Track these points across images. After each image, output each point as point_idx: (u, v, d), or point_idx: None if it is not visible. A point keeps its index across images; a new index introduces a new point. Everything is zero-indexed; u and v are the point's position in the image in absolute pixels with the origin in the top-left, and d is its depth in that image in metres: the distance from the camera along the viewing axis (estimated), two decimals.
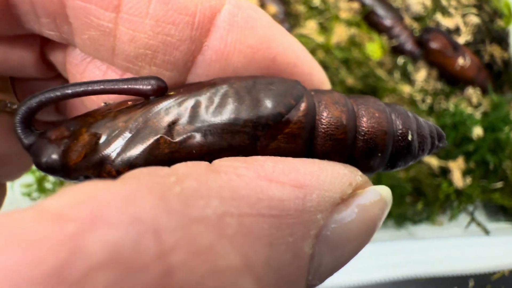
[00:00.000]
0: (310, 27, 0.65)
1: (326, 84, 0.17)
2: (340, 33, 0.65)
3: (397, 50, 0.68)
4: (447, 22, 0.68)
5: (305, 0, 0.69)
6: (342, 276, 0.50)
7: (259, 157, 0.12)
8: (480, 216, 0.64)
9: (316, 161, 0.13)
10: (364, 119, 0.15)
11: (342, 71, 0.63)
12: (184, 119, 0.13)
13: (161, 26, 0.13)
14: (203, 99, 0.13)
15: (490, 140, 0.61)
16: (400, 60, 0.67)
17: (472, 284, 0.59)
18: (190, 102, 0.13)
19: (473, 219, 0.60)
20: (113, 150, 0.13)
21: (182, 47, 0.14)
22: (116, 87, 0.13)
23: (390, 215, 0.61)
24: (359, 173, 0.14)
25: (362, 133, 0.15)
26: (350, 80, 0.63)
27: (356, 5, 0.69)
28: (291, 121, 0.13)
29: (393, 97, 0.65)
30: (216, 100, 0.13)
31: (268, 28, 0.15)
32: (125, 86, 0.13)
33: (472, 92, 0.66)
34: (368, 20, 0.69)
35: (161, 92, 0.13)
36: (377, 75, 0.64)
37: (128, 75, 0.15)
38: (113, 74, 0.15)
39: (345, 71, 0.63)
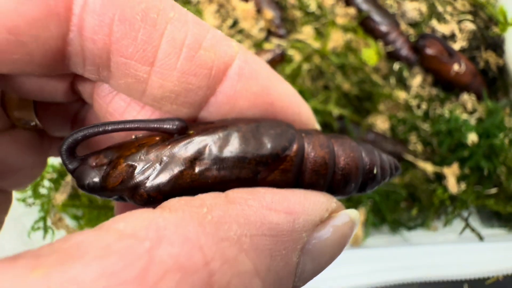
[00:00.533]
0: (307, 32, 0.66)
1: (312, 120, 0.21)
2: (337, 39, 0.66)
3: (392, 56, 0.69)
4: (442, 29, 0.69)
5: (302, 6, 0.69)
6: (338, 281, 0.50)
7: (261, 189, 0.16)
8: (474, 222, 0.64)
9: (302, 192, 0.17)
10: (342, 158, 0.19)
11: (338, 76, 0.63)
12: (202, 156, 0.16)
13: (185, 77, 0.17)
14: (218, 140, 0.17)
15: (485, 146, 0.61)
16: (396, 66, 0.68)
17: None
18: (207, 142, 0.17)
19: (467, 225, 0.61)
20: (146, 178, 0.16)
21: (200, 92, 0.17)
22: (148, 126, 0.16)
23: (385, 221, 0.61)
24: (334, 200, 0.18)
25: (341, 169, 0.19)
26: (346, 86, 0.63)
27: (352, 11, 0.70)
28: (285, 159, 0.17)
29: (389, 102, 0.65)
30: (228, 141, 0.17)
31: (268, 78, 0.19)
32: (155, 126, 0.16)
33: (467, 98, 0.66)
34: (364, 26, 0.70)
35: (183, 130, 0.17)
36: (373, 81, 0.64)
37: (148, 109, 0.18)
38: (135, 105, 0.19)
39: (341, 77, 0.64)
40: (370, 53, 0.68)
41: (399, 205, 0.61)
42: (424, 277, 0.54)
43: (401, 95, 0.65)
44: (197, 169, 0.16)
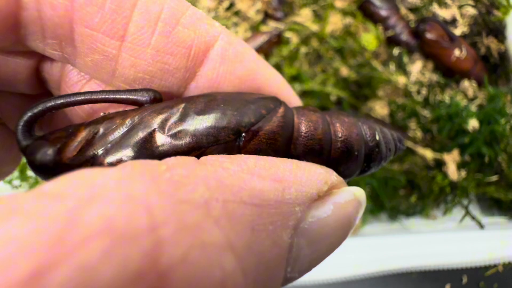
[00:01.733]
0: (305, 15, 0.64)
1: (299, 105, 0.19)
2: (335, 22, 0.64)
3: (392, 41, 0.67)
4: (443, 13, 0.67)
5: None
6: (335, 269, 0.49)
7: (242, 155, 0.14)
8: (475, 210, 0.63)
9: (294, 161, 0.14)
10: (338, 125, 0.17)
11: (336, 60, 0.62)
12: (175, 117, 0.14)
13: (160, 56, 0.15)
14: (193, 102, 0.15)
15: (486, 132, 0.59)
16: (396, 51, 0.66)
17: (465, 280, 0.58)
18: (181, 105, 0.14)
19: (467, 213, 0.59)
20: (108, 142, 0.14)
21: (177, 74, 0.15)
22: (117, 96, 0.14)
23: (383, 208, 0.60)
24: (334, 173, 0.15)
25: (339, 135, 0.16)
26: (344, 70, 0.61)
27: None
28: (270, 120, 0.15)
29: (388, 88, 0.63)
30: (206, 102, 0.15)
31: (254, 62, 0.17)
32: (125, 96, 0.14)
33: (468, 85, 0.65)
34: (364, 10, 0.68)
35: (157, 102, 0.15)
36: (372, 66, 0.63)
37: None
38: None
39: (339, 61, 0.62)
40: (370, 38, 0.66)
41: (398, 192, 0.60)
42: (423, 266, 0.53)
43: (401, 80, 0.63)
44: (168, 131, 0.14)
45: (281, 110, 0.16)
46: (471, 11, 0.67)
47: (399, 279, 0.56)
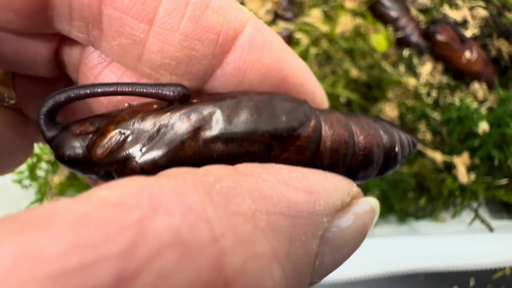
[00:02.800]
0: (315, 15, 0.64)
1: (325, 102, 0.19)
2: (345, 23, 0.64)
3: (402, 42, 0.67)
4: (454, 15, 0.67)
5: None
6: (344, 269, 0.49)
7: (275, 164, 0.14)
8: (484, 213, 0.63)
9: (321, 172, 0.14)
10: (362, 137, 0.17)
11: (346, 61, 0.62)
12: (208, 126, 0.14)
13: (188, 41, 0.14)
14: (226, 109, 0.14)
15: (496, 135, 0.59)
16: (406, 53, 0.66)
17: (472, 283, 0.58)
18: (213, 111, 0.14)
19: (477, 216, 0.59)
20: (139, 149, 0.14)
21: (204, 61, 0.15)
22: (145, 90, 0.14)
23: (392, 210, 0.60)
24: (355, 185, 0.16)
25: (362, 148, 0.17)
26: (354, 71, 0.61)
27: None
28: (301, 135, 0.15)
29: (398, 89, 0.63)
30: (238, 111, 0.14)
31: (282, 51, 0.16)
32: (153, 91, 0.14)
33: (478, 87, 0.65)
34: (374, 10, 0.68)
35: (185, 99, 0.14)
36: (381, 67, 0.62)
37: (144, 81, 0.16)
38: (127, 80, 0.16)
39: (349, 62, 0.62)
40: (380, 39, 0.66)
41: (407, 194, 0.60)
42: (431, 267, 0.53)
43: (411, 81, 0.63)
44: (200, 140, 0.14)
45: (312, 124, 0.16)
46: (482, 12, 0.67)
47: (406, 281, 0.56)
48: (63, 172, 0.56)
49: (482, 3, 0.68)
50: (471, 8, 0.68)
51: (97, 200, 0.09)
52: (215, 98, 0.15)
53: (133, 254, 0.08)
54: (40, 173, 0.57)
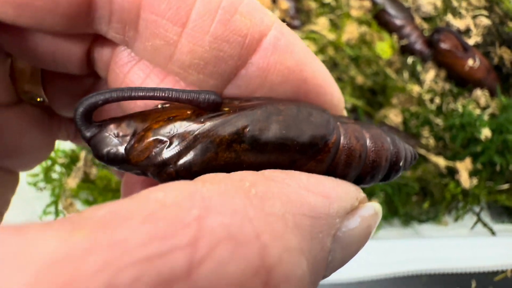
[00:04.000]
0: (321, 23, 0.65)
1: (342, 102, 0.21)
2: (351, 31, 0.65)
3: (406, 50, 0.68)
4: (457, 23, 0.68)
5: None
6: (350, 271, 0.50)
7: (295, 171, 0.15)
8: (485, 217, 0.64)
9: (333, 179, 0.16)
10: (373, 151, 0.18)
11: (351, 68, 0.63)
12: (240, 139, 0.15)
13: (217, 43, 0.15)
14: (257, 122, 0.16)
15: (498, 141, 0.61)
16: (410, 60, 0.67)
17: (474, 285, 0.59)
18: (245, 124, 0.15)
19: (479, 219, 0.60)
20: (176, 156, 0.15)
21: (230, 62, 0.16)
22: (180, 97, 0.15)
23: (397, 214, 0.61)
24: (361, 191, 0.18)
25: (371, 162, 0.18)
26: (359, 78, 0.62)
27: (367, 4, 0.69)
28: (322, 150, 0.17)
29: (402, 96, 0.65)
30: (269, 125, 0.16)
31: (303, 54, 0.17)
32: (187, 98, 0.15)
33: (480, 94, 0.66)
34: (379, 19, 0.69)
35: (217, 106, 0.15)
36: (386, 74, 0.64)
37: (168, 81, 0.17)
38: (154, 77, 0.17)
39: (355, 69, 0.63)
40: (384, 46, 0.68)
41: (411, 198, 0.61)
42: (433, 269, 0.54)
43: (415, 88, 0.64)
44: (234, 153, 0.15)
45: (333, 140, 0.17)
46: (485, 21, 0.68)
47: (409, 282, 0.57)
48: (77, 174, 0.57)
49: (485, 12, 0.69)
50: (474, 17, 0.69)
51: (156, 201, 0.11)
52: (245, 108, 0.16)
53: (197, 245, 0.10)
54: (55, 175, 0.59)
